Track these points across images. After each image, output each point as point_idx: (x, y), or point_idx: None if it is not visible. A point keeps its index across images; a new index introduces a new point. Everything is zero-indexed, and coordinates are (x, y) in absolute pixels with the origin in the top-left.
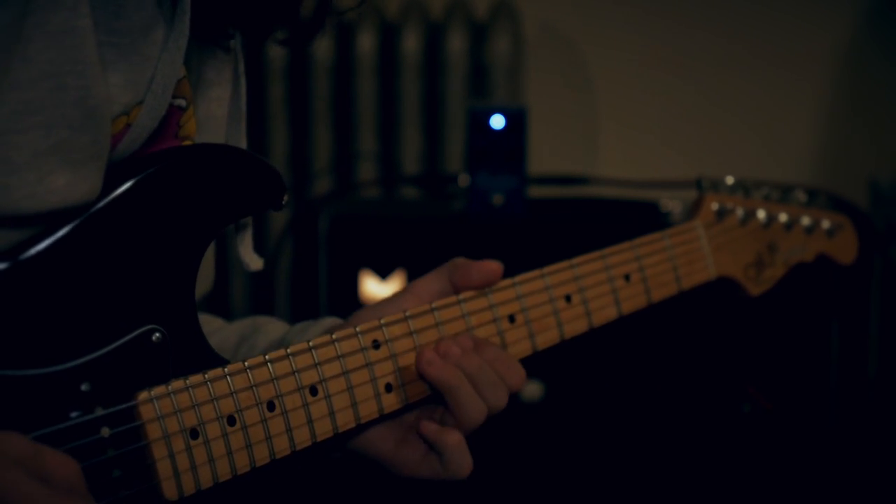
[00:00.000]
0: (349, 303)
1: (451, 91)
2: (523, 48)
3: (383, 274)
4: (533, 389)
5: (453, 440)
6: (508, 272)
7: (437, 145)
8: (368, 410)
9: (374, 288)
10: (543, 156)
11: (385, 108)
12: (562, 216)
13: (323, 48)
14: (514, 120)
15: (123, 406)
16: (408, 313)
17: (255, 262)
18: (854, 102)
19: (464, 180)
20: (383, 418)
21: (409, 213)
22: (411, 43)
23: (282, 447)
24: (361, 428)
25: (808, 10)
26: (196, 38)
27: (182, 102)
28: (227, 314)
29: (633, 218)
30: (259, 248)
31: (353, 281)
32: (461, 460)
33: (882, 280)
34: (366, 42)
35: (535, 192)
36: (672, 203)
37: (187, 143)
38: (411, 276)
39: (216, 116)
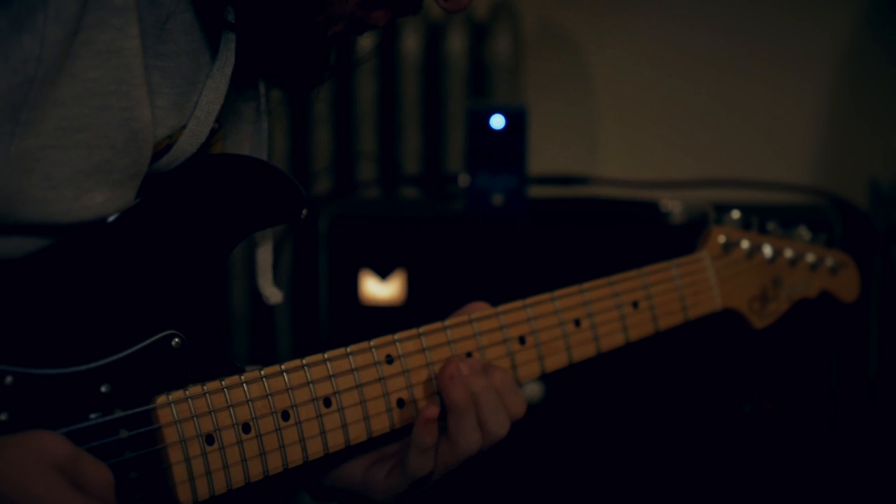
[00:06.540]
0: (349, 303)
1: (451, 91)
2: (523, 48)
3: (383, 274)
4: (533, 390)
5: (431, 413)
6: (509, 272)
7: (437, 145)
8: (380, 425)
9: (375, 288)
10: (543, 156)
11: (385, 108)
12: (562, 216)
13: None
14: (514, 120)
15: (141, 409)
16: (421, 330)
17: (274, 295)
18: (854, 102)
19: (464, 180)
20: (394, 433)
21: (409, 213)
22: (411, 43)
23: (294, 457)
24: (373, 442)
25: (808, 10)
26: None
27: (216, 125)
28: (227, 314)
29: (633, 218)
30: None
31: (353, 281)
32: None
33: (882, 280)
34: (366, 42)
35: (535, 192)
36: (672, 203)
37: None
38: (411, 276)
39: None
